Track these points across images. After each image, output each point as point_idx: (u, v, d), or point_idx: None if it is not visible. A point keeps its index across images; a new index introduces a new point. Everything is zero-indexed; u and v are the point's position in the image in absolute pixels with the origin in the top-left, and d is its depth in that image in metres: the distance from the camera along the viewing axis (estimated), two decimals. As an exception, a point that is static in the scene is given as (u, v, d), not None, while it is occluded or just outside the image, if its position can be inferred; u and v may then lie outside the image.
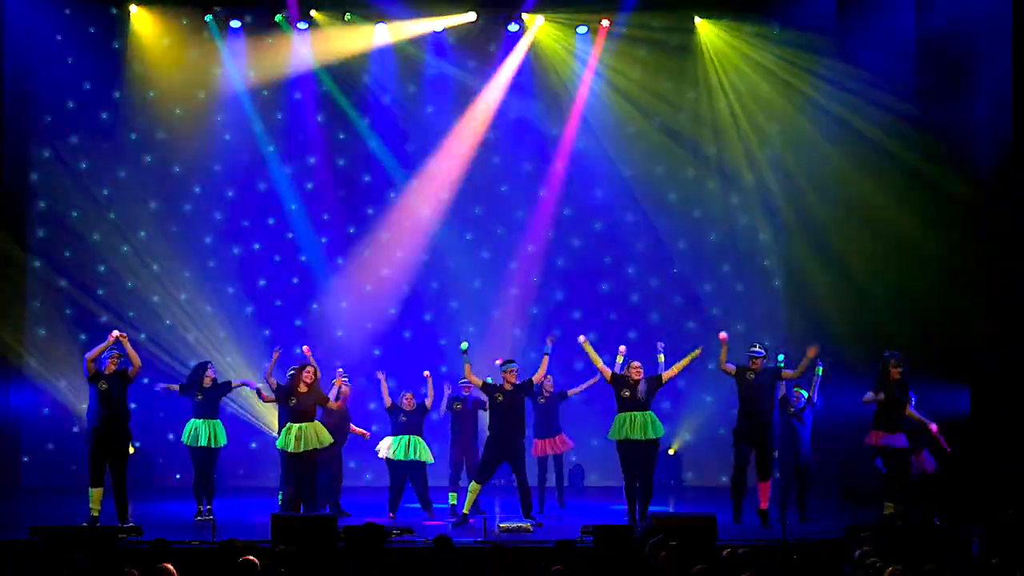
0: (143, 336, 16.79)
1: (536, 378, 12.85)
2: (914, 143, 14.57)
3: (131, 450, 12.65)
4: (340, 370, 13.43)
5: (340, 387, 13.10)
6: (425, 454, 13.06)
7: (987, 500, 12.85)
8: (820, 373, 12.98)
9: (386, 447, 13.09)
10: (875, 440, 12.38)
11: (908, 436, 12.39)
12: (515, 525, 11.92)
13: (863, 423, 14.10)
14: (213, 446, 12.90)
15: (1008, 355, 13.32)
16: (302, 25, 16.87)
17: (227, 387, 13.18)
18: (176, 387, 13.24)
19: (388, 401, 13.22)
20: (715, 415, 17.01)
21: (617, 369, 12.94)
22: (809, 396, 13.06)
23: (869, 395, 12.37)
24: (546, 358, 12.86)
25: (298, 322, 17.24)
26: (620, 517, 13.06)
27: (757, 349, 12.61)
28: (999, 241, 13.57)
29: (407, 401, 13.16)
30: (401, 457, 12.98)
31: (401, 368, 17.05)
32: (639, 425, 12.38)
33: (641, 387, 12.41)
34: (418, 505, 13.18)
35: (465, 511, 12.46)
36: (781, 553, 9.46)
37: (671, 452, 16.65)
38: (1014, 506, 12.64)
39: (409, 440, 13.01)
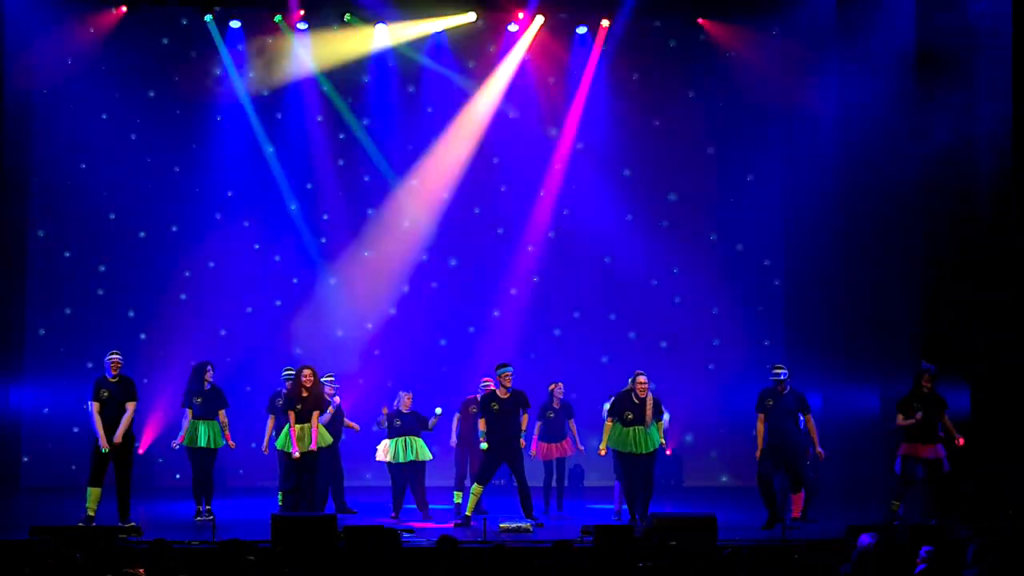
0: (143, 336, 16.81)
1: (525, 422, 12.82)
2: (914, 143, 14.56)
3: (139, 450, 12.64)
4: (330, 377, 13.35)
5: (327, 394, 13.11)
6: (424, 453, 13.08)
7: (987, 501, 12.86)
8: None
9: (384, 451, 13.10)
10: (912, 452, 12.43)
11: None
12: (515, 525, 11.93)
13: (863, 424, 14.16)
14: (212, 447, 12.88)
15: (1008, 355, 13.32)
16: (302, 25, 16.88)
17: (224, 401, 13.07)
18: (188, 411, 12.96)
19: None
20: (715, 415, 17.02)
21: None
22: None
23: (899, 419, 12.46)
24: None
25: (298, 322, 17.23)
26: (608, 517, 13.10)
27: (780, 372, 12.51)
28: (1000, 241, 13.57)
29: (405, 403, 13.16)
30: (401, 460, 12.99)
31: (401, 368, 17.13)
32: (643, 439, 12.42)
33: (649, 414, 12.42)
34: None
35: (467, 512, 12.47)
36: (781, 553, 9.46)
37: (667, 452, 16.62)
38: (1014, 507, 12.65)
39: (407, 441, 13.02)
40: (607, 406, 12.80)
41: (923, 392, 12.43)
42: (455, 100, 17.46)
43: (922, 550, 8.41)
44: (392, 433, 13.07)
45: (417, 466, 13.05)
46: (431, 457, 13.21)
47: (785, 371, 12.50)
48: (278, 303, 17.30)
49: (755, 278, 17.61)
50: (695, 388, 17.30)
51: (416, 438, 13.05)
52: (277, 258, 17.34)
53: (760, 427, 12.47)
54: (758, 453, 12.49)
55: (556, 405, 13.78)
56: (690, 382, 17.27)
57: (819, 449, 12.48)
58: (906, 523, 12.11)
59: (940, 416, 12.45)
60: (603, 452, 12.73)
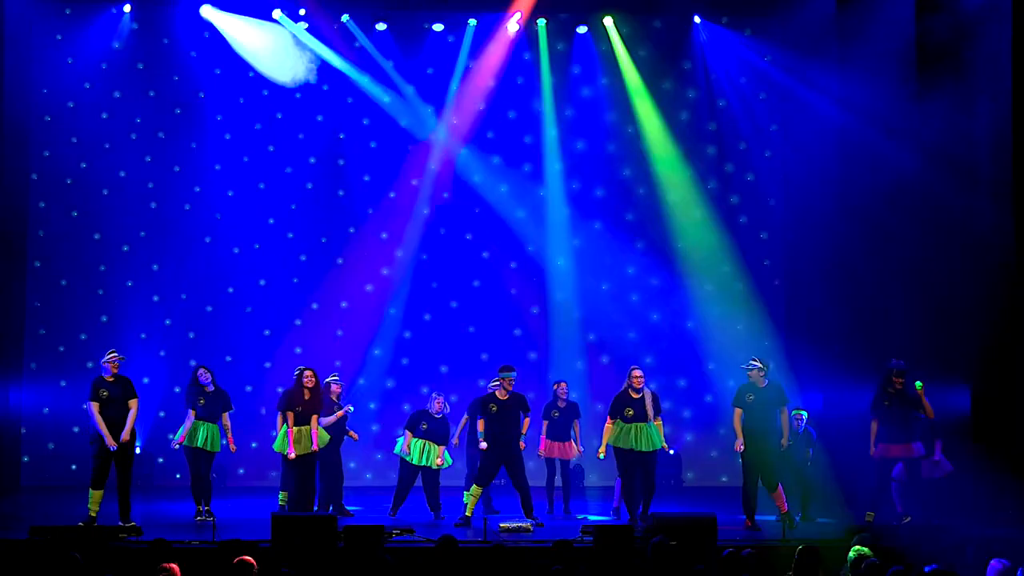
0: (143, 335, 16.78)
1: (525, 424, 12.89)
2: (913, 143, 14.56)
3: (137, 450, 12.62)
4: (335, 376, 13.38)
5: (334, 393, 13.11)
6: (439, 461, 13.05)
7: (987, 501, 12.87)
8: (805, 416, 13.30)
9: (403, 447, 13.06)
10: (886, 453, 12.40)
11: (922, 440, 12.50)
12: (515, 525, 11.94)
13: (863, 424, 14.09)
14: (209, 449, 12.86)
15: (1008, 355, 13.31)
16: (302, 25, 16.87)
17: (228, 403, 13.07)
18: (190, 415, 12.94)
19: (456, 441, 13.39)
20: (715, 415, 17.01)
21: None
22: (808, 421, 13.34)
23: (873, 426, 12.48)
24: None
25: (298, 322, 17.23)
26: (608, 515, 13.12)
27: (754, 363, 12.54)
28: (999, 239, 13.57)
29: (436, 406, 13.11)
30: (416, 462, 12.95)
31: (401, 369, 17.16)
32: (644, 437, 12.44)
33: (649, 409, 12.45)
34: (423, 505, 13.16)
35: (468, 513, 12.48)
36: (781, 553, 9.47)
37: (671, 452, 16.57)
38: (1014, 506, 12.65)
39: (425, 446, 12.97)
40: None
41: (894, 391, 12.37)
42: (455, 99, 17.42)
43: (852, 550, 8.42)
44: (417, 433, 13.04)
45: (431, 472, 13.02)
46: (448, 464, 13.14)
47: (757, 363, 12.48)
48: (278, 304, 17.26)
49: (755, 278, 17.59)
50: (695, 388, 17.30)
51: (435, 446, 12.99)
52: (277, 258, 17.29)
53: (737, 421, 12.47)
54: (738, 445, 12.46)
55: (561, 405, 13.77)
56: (690, 382, 17.27)
57: (784, 441, 12.46)
58: (907, 523, 12.14)
59: (913, 413, 12.38)
60: (602, 455, 12.74)
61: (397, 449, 13.16)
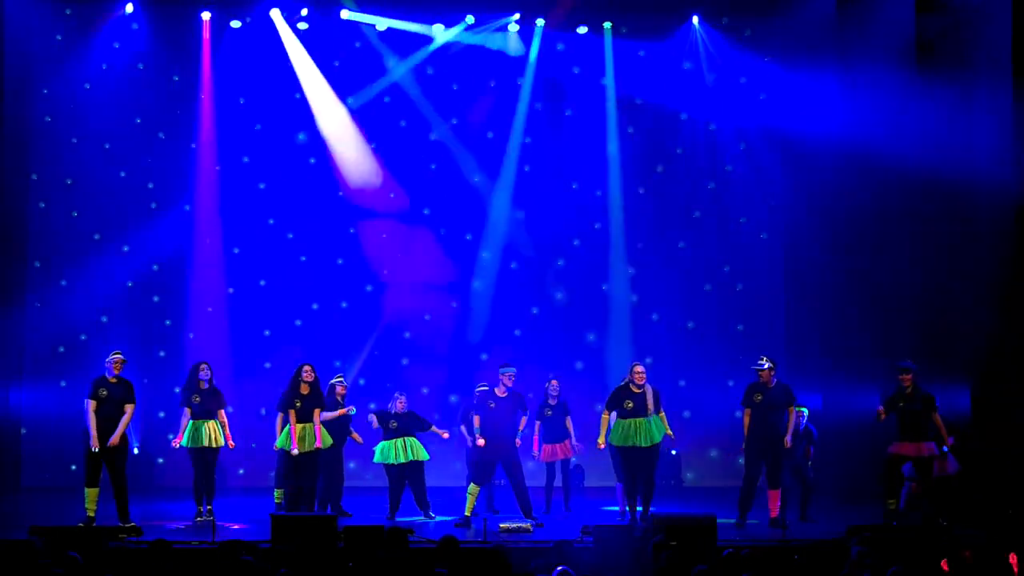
0: (144, 335, 16.79)
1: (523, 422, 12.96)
2: (914, 141, 14.57)
3: (135, 450, 12.64)
4: (340, 378, 13.42)
5: (339, 394, 13.12)
6: (421, 453, 13.06)
7: (988, 500, 12.87)
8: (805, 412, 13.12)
9: (381, 452, 13.08)
10: (897, 450, 12.42)
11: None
12: (515, 525, 11.94)
13: (863, 424, 14.13)
14: (214, 446, 12.87)
15: (1008, 354, 13.32)
16: (302, 25, 16.87)
17: (222, 400, 13.05)
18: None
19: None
20: (715, 415, 17.00)
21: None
22: (808, 419, 13.26)
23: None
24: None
25: (298, 322, 17.23)
26: (612, 517, 13.11)
27: (763, 362, 12.50)
28: (999, 238, 13.58)
29: (399, 405, 13.15)
30: (399, 460, 12.97)
31: (401, 369, 17.15)
32: (644, 432, 12.39)
33: (650, 403, 12.42)
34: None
35: (467, 512, 12.47)
36: (781, 553, 9.47)
37: (672, 452, 16.55)
38: (1014, 506, 12.65)
39: (404, 442, 13.00)
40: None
41: (904, 390, 12.40)
42: (456, 99, 17.44)
43: (853, 550, 8.41)
44: (388, 435, 13.06)
45: (415, 466, 13.04)
46: (428, 457, 13.19)
47: (767, 363, 12.47)
48: (278, 304, 17.26)
49: (755, 278, 17.59)
50: (695, 388, 17.29)
51: (412, 438, 13.04)
52: (277, 258, 17.28)
53: (747, 420, 12.47)
54: (744, 446, 12.50)
55: (552, 402, 13.74)
56: (690, 382, 17.27)
57: (788, 438, 12.43)
58: (907, 523, 12.15)
59: (926, 414, 12.37)
60: (602, 444, 12.69)
61: (377, 458, 13.16)
